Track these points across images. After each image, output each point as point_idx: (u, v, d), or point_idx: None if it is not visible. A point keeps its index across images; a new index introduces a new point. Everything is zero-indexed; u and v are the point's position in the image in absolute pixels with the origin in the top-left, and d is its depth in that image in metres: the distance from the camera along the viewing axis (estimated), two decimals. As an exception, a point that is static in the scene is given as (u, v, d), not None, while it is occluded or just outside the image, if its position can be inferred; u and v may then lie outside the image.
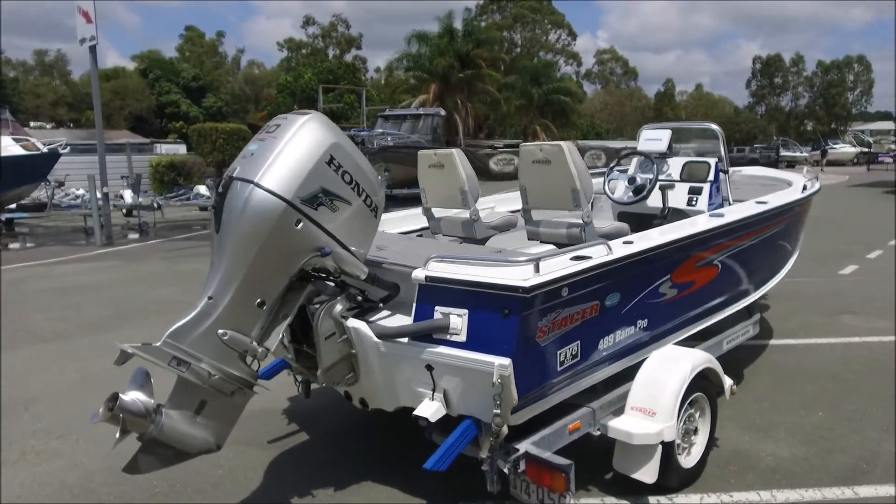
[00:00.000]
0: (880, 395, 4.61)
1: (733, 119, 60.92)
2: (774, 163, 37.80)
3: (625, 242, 3.33)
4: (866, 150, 37.11)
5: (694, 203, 4.31)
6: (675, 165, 4.70)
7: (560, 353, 2.95)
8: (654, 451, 3.19)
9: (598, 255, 3.03)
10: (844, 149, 39.93)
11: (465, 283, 2.80)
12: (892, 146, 37.77)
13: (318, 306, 3.06)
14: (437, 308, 2.91)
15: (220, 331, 2.80)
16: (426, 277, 2.88)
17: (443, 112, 21.91)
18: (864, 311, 6.81)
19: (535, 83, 38.16)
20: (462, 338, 2.82)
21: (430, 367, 2.94)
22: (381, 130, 18.79)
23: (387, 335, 3.01)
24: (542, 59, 42.55)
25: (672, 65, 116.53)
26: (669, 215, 4.40)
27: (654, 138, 4.78)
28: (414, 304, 2.98)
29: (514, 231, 4.60)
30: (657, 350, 3.50)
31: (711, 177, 4.46)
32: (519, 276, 2.74)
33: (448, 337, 2.85)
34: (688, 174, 4.58)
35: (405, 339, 2.96)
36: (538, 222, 4.23)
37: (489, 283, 2.74)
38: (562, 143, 3.83)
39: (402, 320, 3.18)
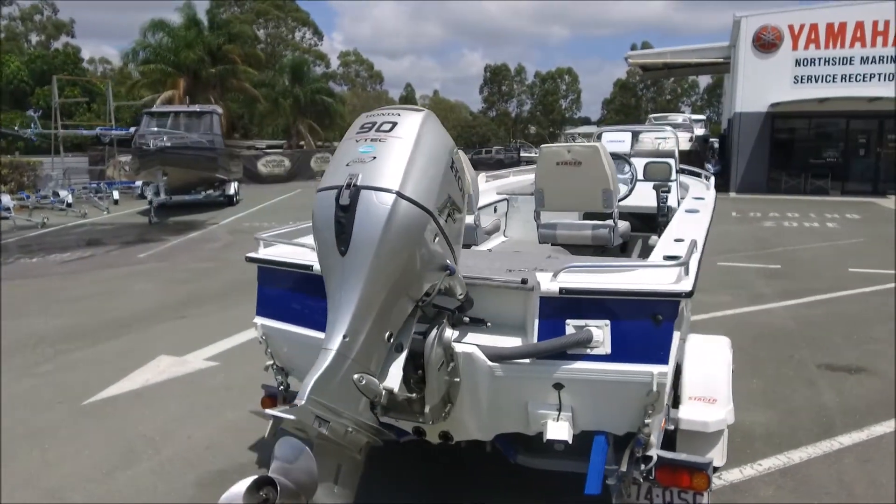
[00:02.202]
0: (780, 358, 5.43)
1: (470, 123, 66.30)
2: (517, 163, 42.09)
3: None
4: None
5: (664, 201, 4.62)
6: (637, 166, 4.98)
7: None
8: (722, 435, 3.36)
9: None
10: (568, 149, 46.00)
11: (607, 292, 2.63)
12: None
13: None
14: (568, 322, 2.68)
15: (356, 375, 2.25)
16: (561, 290, 2.65)
17: (220, 110, 20.16)
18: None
19: (297, 82, 37.13)
20: (606, 350, 2.64)
21: (558, 386, 2.71)
22: (155, 129, 16.60)
23: (507, 357, 2.70)
24: (296, 58, 41.45)
25: (408, 70, 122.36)
26: (669, 214, 4.55)
27: (616, 140, 5.00)
28: (535, 321, 2.72)
29: (496, 236, 4.45)
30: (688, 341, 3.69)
31: (673, 176, 4.82)
32: (666, 279, 2.66)
33: (588, 351, 2.66)
34: (651, 174, 4.88)
35: (527, 360, 2.69)
36: (554, 225, 4.14)
37: (639, 291, 2.62)
38: (595, 143, 3.81)
39: (483, 339, 2.88)
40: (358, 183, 2.26)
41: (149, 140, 15.54)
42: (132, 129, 23.40)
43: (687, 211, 4.33)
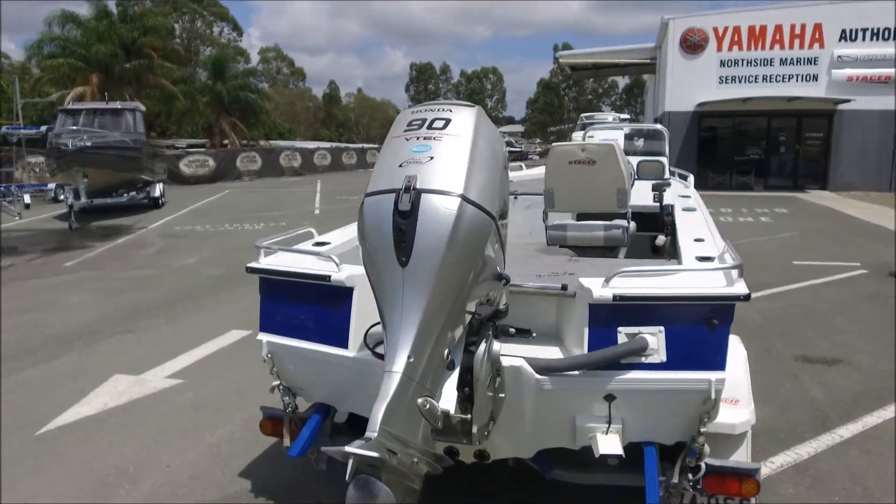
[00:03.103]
0: (758, 352, 5.50)
1: (398, 121, 65.68)
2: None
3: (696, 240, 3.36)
4: (517, 149, 43.88)
5: (659, 199, 4.55)
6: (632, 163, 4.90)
7: None
8: (746, 435, 3.30)
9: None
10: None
11: (662, 297, 2.49)
12: (537, 146, 45.34)
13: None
14: (620, 329, 2.53)
15: (420, 400, 2.01)
16: (615, 296, 2.49)
17: (142, 107, 18.96)
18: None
19: (218, 78, 35.66)
20: (661, 358, 2.50)
21: (610, 398, 2.56)
22: (73, 128, 15.42)
23: (558, 369, 2.52)
24: (219, 53, 39.79)
25: (329, 67, 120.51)
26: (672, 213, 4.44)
27: (609, 138, 4.89)
28: (585, 330, 2.55)
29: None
30: None
31: (667, 174, 4.77)
32: (717, 283, 2.55)
33: (642, 359, 2.51)
34: (644, 172, 4.81)
35: (577, 372, 2.53)
36: (563, 226, 3.98)
37: (695, 295, 2.49)
38: (611, 142, 3.67)
39: (522, 350, 2.71)
40: (418, 186, 2.01)
41: (67, 139, 14.42)
42: (43, 128, 21.80)
43: (684, 209, 4.29)
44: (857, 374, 5.01)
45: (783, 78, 20.47)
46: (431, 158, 2.09)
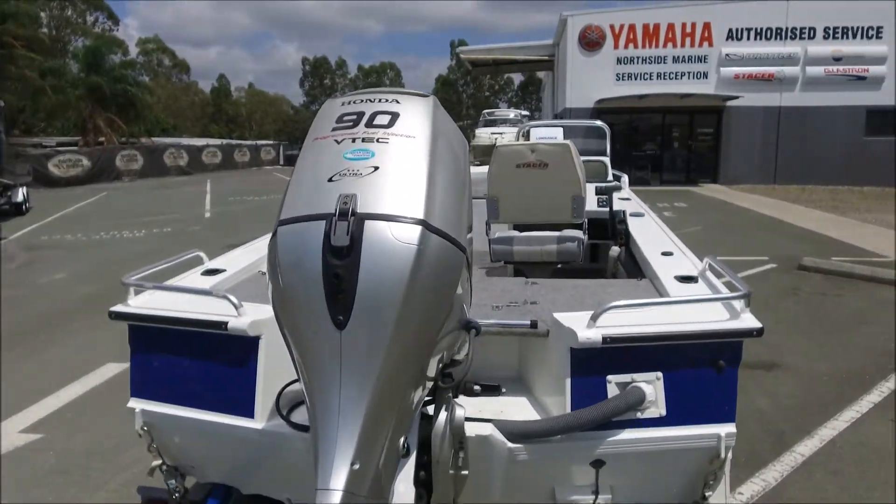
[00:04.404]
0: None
1: (293, 117, 63.70)
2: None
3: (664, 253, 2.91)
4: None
5: (604, 203, 4.09)
6: None
7: None
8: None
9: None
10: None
11: (660, 337, 1.99)
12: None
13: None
14: (609, 378, 2.01)
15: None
16: (605, 338, 1.95)
17: (1, 103, 16.79)
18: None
19: (93, 70, 32.71)
20: (659, 411, 2.00)
21: (598, 463, 2.04)
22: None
23: (535, 435, 1.96)
24: (94, 43, 36.51)
25: (216, 60, 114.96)
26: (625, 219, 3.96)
27: (548, 136, 4.36)
28: (567, 381, 2.01)
29: None
30: None
31: (610, 176, 4.31)
32: (721, 314, 2.08)
33: (638, 414, 2.00)
34: (587, 174, 4.31)
35: (559, 436, 1.99)
36: (510, 239, 3.40)
37: (699, 332, 2.00)
38: (565, 141, 3.13)
39: (484, 406, 2.14)
40: (359, 209, 1.37)
41: None
42: None
43: (633, 215, 3.87)
44: (797, 380, 4.83)
45: (676, 75, 21.17)
46: (375, 169, 1.45)
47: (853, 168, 20.29)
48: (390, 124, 1.55)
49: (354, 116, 1.59)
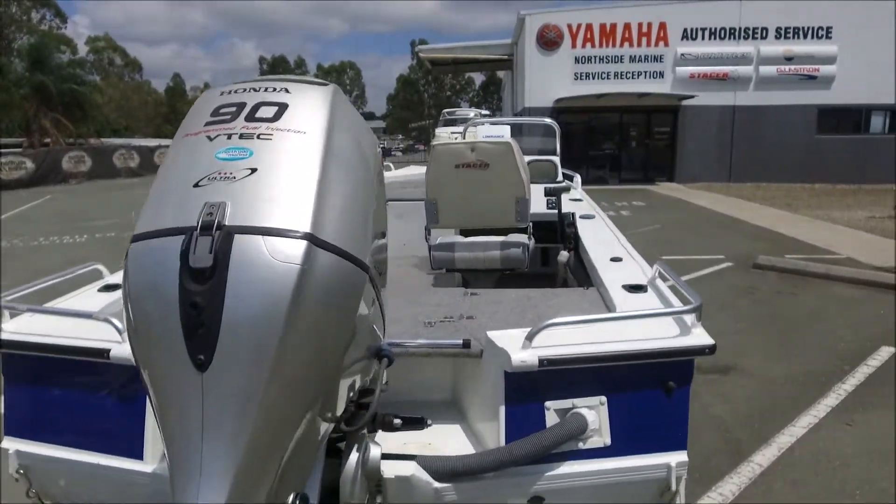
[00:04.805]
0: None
1: (252, 117, 62.37)
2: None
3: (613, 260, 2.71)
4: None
5: (553, 205, 3.88)
6: None
7: None
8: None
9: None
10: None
11: (604, 357, 1.78)
12: (399, 143, 45.00)
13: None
14: (548, 405, 1.79)
15: None
16: (542, 360, 1.73)
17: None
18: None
19: (38, 69, 31.44)
20: (604, 440, 1.79)
21: (537, 500, 1.82)
22: None
23: (464, 473, 1.73)
24: (39, 41, 35.12)
25: (171, 59, 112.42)
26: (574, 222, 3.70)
27: (494, 135, 4.12)
28: (501, 409, 1.78)
29: None
30: None
31: (560, 176, 4.10)
32: (670, 330, 1.89)
33: (580, 445, 1.79)
34: (533, 174, 4.09)
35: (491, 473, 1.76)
36: (451, 245, 3.15)
37: (647, 351, 1.79)
38: (508, 139, 2.90)
39: (406, 440, 1.90)
40: (227, 221, 1.12)
41: None
42: None
43: (583, 217, 3.68)
44: (754, 383, 4.72)
45: (633, 75, 21.27)
46: (252, 171, 1.19)
47: (806, 166, 20.68)
48: (276, 117, 1.29)
49: (234, 108, 1.32)
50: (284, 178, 1.19)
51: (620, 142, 22.78)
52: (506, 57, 25.57)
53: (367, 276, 1.25)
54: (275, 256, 1.10)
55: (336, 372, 1.25)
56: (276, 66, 68.28)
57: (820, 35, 20.72)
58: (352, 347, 1.28)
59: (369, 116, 79.21)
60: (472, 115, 24.17)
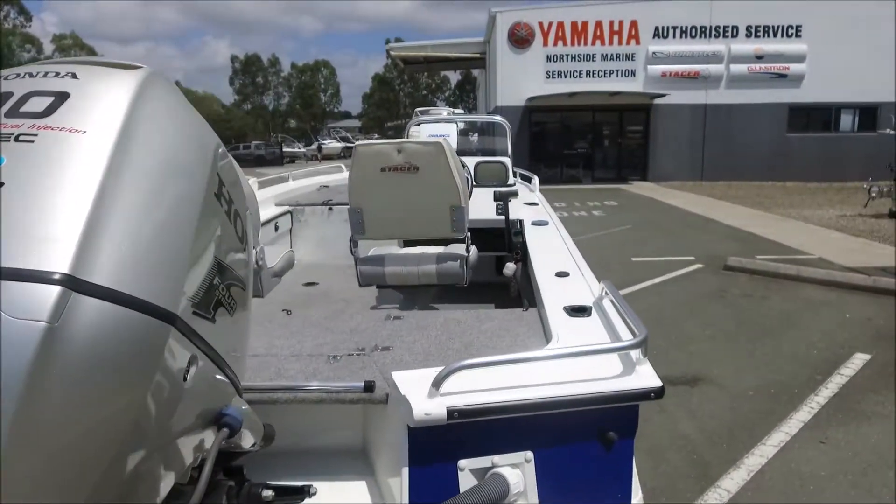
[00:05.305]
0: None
1: (224, 117, 61.53)
2: (280, 159, 39.71)
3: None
4: (350, 144, 42.55)
5: (501, 210, 3.54)
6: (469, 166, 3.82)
7: None
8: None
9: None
10: (332, 144, 44.84)
11: (529, 406, 1.46)
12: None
13: None
14: (462, 465, 1.47)
15: None
16: (452, 412, 1.41)
17: None
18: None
19: (1, 67, 30.48)
20: (531, 501, 1.48)
21: (452, 579, 1.50)
22: None
23: None
24: (6, 40, 34.12)
25: (143, 58, 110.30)
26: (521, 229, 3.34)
27: (438, 134, 3.78)
28: (405, 470, 1.46)
29: (294, 272, 3.03)
30: None
31: (511, 179, 3.78)
32: (612, 368, 1.58)
33: (501, 511, 1.47)
34: (482, 176, 3.78)
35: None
36: (380, 259, 2.81)
37: (582, 397, 1.48)
38: (439, 140, 2.57)
39: None
40: None
41: None
42: None
43: (534, 224, 3.36)
44: (724, 397, 4.45)
45: (605, 73, 21.11)
46: None
47: (776, 164, 20.70)
48: (47, 112, 0.94)
49: (7, 95, 0.99)
50: (42, 197, 0.85)
51: (593, 141, 22.64)
52: (479, 55, 25.30)
53: (171, 328, 0.91)
54: (9, 311, 0.76)
55: (123, 463, 0.91)
56: (250, 65, 67.29)
57: (790, 34, 20.75)
58: (159, 419, 0.94)
59: (345, 116, 78.45)
60: (444, 113, 23.84)
